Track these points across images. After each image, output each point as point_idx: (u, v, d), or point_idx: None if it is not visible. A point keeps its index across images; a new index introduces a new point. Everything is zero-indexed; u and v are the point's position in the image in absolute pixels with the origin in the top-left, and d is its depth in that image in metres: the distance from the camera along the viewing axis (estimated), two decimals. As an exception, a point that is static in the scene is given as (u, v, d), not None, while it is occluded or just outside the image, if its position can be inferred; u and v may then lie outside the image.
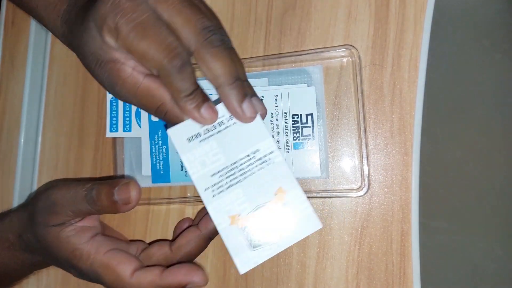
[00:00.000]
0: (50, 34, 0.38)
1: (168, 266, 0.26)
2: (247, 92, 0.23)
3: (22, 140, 0.37)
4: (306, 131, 0.29)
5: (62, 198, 0.27)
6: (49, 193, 0.28)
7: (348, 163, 0.30)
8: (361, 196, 0.29)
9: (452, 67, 0.90)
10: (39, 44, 0.38)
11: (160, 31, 0.21)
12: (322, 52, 0.30)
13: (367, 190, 0.29)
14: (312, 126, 0.29)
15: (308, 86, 0.30)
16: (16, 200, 0.36)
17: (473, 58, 0.89)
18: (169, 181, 0.31)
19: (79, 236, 0.27)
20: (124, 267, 0.26)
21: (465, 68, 0.89)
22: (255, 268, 0.31)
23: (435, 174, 0.88)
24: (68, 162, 0.36)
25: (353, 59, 0.29)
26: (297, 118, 0.29)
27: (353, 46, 0.30)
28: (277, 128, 0.29)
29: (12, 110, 0.37)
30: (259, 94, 0.29)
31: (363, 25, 0.30)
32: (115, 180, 0.26)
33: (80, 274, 0.28)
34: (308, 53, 0.30)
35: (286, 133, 0.29)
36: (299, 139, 0.29)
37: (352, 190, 0.29)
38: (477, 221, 0.86)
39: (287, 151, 0.29)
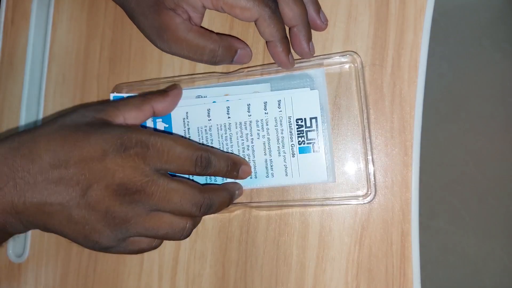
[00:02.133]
0: (49, 33, 0.38)
1: None
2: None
3: (21, 140, 0.36)
4: (311, 135, 0.29)
5: (110, 102, 0.28)
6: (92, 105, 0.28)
7: (353, 167, 0.30)
8: (368, 203, 0.29)
9: (452, 67, 0.90)
10: (38, 43, 0.38)
11: None
12: (325, 58, 0.30)
13: (374, 197, 0.29)
14: (317, 129, 0.29)
15: (311, 89, 0.29)
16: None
17: (473, 58, 0.89)
18: None
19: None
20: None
21: (465, 68, 0.89)
22: (254, 269, 0.31)
23: (435, 174, 0.89)
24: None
25: (356, 65, 0.29)
26: (301, 122, 0.29)
27: (356, 52, 0.30)
28: (282, 133, 0.29)
29: (11, 109, 0.37)
30: (262, 100, 0.29)
31: (363, 25, 0.30)
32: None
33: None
34: (309, 60, 0.30)
35: (291, 137, 0.29)
36: (304, 143, 0.29)
37: (358, 197, 0.29)
38: (477, 221, 0.86)
39: (293, 156, 0.29)
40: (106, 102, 0.28)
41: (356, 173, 0.30)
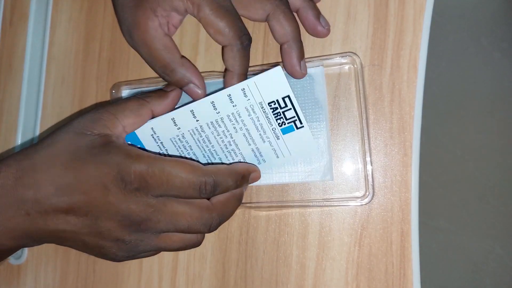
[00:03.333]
0: (48, 34, 0.38)
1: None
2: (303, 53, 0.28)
3: (19, 141, 0.36)
4: (289, 114, 0.27)
5: (111, 106, 0.26)
6: (93, 109, 0.26)
7: (352, 168, 0.30)
8: (366, 204, 0.29)
9: (451, 66, 0.90)
10: (37, 44, 0.37)
11: (236, 16, 0.26)
12: (324, 59, 0.30)
13: (372, 199, 0.29)
14: (293, 107, 0.27)
15: (275, 70, 0.26)
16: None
17: (472, 57, 0.89)
18: None
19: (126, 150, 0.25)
20: None
21: (464, 67, 0.89)
22: (254, 269, 0.31)
23: (434, 174, 0.89)
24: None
25: (355, 66, 0.29)
26: (275, 104, 0.27)
27: (355, 53, 0.29)
28: (258, 120, 0.27)
29: (10, 111, 0.37)
30: (225, 94, 0.27)
31: (362, 25, 0.30)
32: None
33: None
34: (309, 61, 0.30)
35: (270, 122, 0.27)
36: (285, 124, 0.27)
37: (357, 198, 0.29)
38: (477, 220, 0.86)
39: (278, 139, 0.28)
40: (104, 106, 0.26)
41: (354, 173, 0.30)
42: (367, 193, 0.29)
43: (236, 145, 0.28)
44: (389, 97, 0.30)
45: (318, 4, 0.31)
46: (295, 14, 0.29)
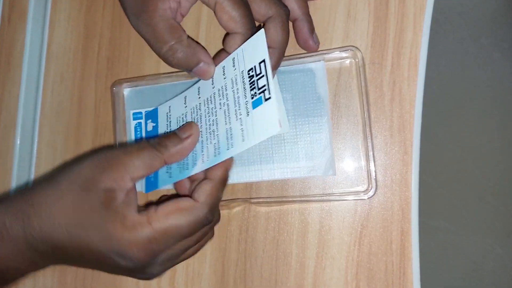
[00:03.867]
0: (47, 32, 0.37)
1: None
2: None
3: (18, 140, 0.36)
4: (261, 82, 0.24)
5: (121, 154, 0.24)
6: (99, 154, 0.24)
7: (354, 163, 0.30)
8: (369, 198, 0.29)
9: (451, 66, 0.90)
10: (36, 42, 0.37)
11: (249, 8, 0.26)
12: (325, 54, 0.30)
13: (375, 192, 0.29)
14: (266, 73, 0.23)
15: (259, 34, 0.25)
16: (13, 200, 0.36)
17: (472, 57, 0.89)
18: (157, 187, 0.29)
19: (128, 207, 0.23)
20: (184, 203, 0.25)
21: (464, 67, 0.89)
22: (254, 268, 0.31)
23: (434, 173, 0.89)
24: (65, 162, 0.36)
25: (357, 60, 0.29)
26: (252, 71, 0.24)
27: (357, 48, 0.29)
28: (237, 93, 0.25)
29: (8, 109, 0.37)
30: (221, 65, 0.26)
31: (362, 24, 0.30)
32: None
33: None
34: (311, 55, 0.30)
35: (245, 94, 0.24)
36: (256, 95, 0.24)
37: (359, 192, 0.29)
38: (476, 220, 0.86)
39: (247, 115, 0.24)
40: (116, 151, 0.24)
41: (357, 168, 0.30)
42: (370, 187, 0.29)
43: (217, 124, 0.26)
44: (390, 96, 0.30)
45: (319, 3, 0.31)
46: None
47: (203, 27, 0.33)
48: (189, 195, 0.25)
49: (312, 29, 0.29)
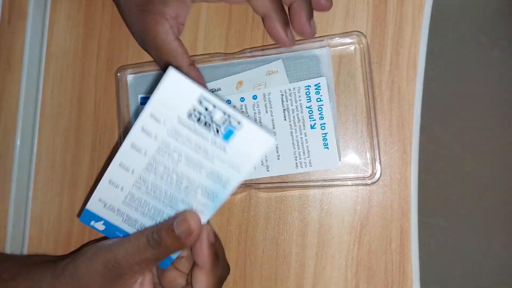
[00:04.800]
0: (46, 33, 0.37)
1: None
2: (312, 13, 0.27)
3: (18, 140, 0.36)
4: (216, 116, 0.21)
5: (123, 258, 0.23)
6: (102, 259, 0.24)
7: (357, 149, 0.30)
8: (374, 183, 0.29)
9: (450, 64, 0.90)
10: (35, 43, 0.37)
11: None
12: (330, 39, 0.29)
13: (379, 177, 0.29)
14: (214, 105, 0.21)
15: (168, 74, 0.21)
16: (12, 201, 0.36)
17: (472, 55, 0.89)
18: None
19: None
20: None
21: (463, 65, 0.89)
22: (253, 267, 0.31)
23: (433, 172, 0.89)
24: (65, 163, 0.36)
25: (361, 46, 0.29)
26: (195, 114, 0.21)
27: (361, 33, 0.29)
28: (190, 142, 0.22)
29: (8, 110, 0.37)
30: (135, 131, 0.22)
31: (361, 23, 0.30)
32: (171, 218, 0.25)
33: None
34: (315, 41, 0.29)
35: (204, 137, 0.22)
36: (220, 130, 0.22)
37: (364, 178, 0.29)
38: (476, 219, 0.86)
39: (225, 151, 0.22)
40: (119, 244, 0.24)
41: (360, 155, 0.29)
42: (374, 171, 0.28)
43: (188, 179, 0.23)
44: (388, 95, 0.30)
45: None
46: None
47: (202, 26, 0.33)
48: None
49: (310, 14, 0.27)
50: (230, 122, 0.21)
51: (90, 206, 0.25)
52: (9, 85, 0.38)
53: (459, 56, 0.90)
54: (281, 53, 0.30)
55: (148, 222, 0.25)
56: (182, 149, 0.22)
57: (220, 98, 0.28)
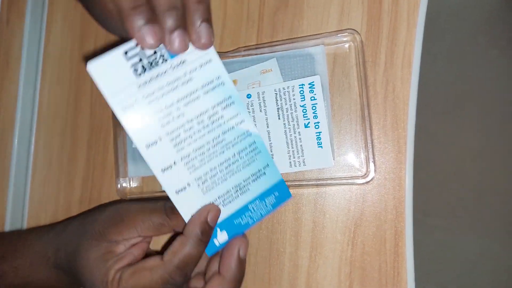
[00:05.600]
0: (44, 33, 0.38)
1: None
2: (181, 23, 0.21)
3: (16, 139, 0.37)
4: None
5: (134, 210, 0.25)
6: (118, 206, 0.26)
7: (351, 149, 0.29)
8: (368, 182, 0.28)
9: (447, 64, 0.89)
10: (33, 43, 0.38)
11: None
12: (324, 38, 0.29)
13: (374, 177, 0.28)
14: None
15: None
16: (10, 199, 0.36)
17: (469, 55, 0.88)
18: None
19: (117, 262, 0.25)
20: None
21: (461, 65, 0.89)
22: (247, 267, 0.31)
23: (431, 172, 0.88)
24: (61, 162, 0.36)
25: (355, 44, 0.29)
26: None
27: (355, 30, 0.29)
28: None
29: (6, 109, 0.37)
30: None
31: (355, 22, 0.30)
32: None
33: None
34: (310, 39, 0.29)
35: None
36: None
37: (358, 177, 0.29)
38: (473, 218, 0.85)
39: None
40: (129, 208, 0.26)
41: (354, 154, 0.29)
42: (368, 170, 0.28)
43: (199, 110, 0.23)
44: (383, 94, 0.29)
45: (312, 3, 0.31)
46: None
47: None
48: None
49: (174, 26, 0.20)
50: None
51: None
52: (7, 84, 0.38)
53: (456, 56, 0.90)
54: (275, 51, 0.30)
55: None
56: (169, 100, 0.22)
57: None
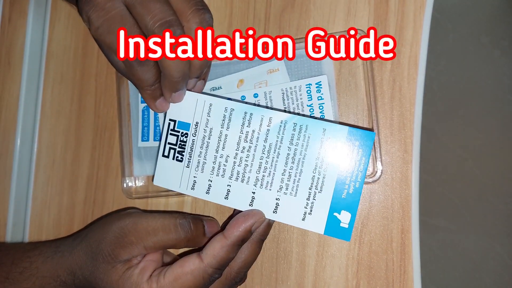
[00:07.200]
0: (47, 31, 0.37)
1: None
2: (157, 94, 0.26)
3: (19, 139, 0.36)
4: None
5: (142, 230, 0.25)
6: (123, 223, 0.25)
7: None
8: (375, 182, 0.29)
9: (451, 65, 0.90)
10: (36, 41, 0.37)
11: (125, 26, 0.23)
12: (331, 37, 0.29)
13: (380, 176, 0.28)
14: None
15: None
16: (13, 199, 0.36)
17: (472, 55, 0.89)
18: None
19: (142, 274, 0.25)
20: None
21: (464, 65, 0.89)
22: (254, 266, 0.31)
23: (434, 172, 0.89)
24: (65, 162, 0.36)
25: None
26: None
27: (361, 30, 0.29)
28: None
29: (9, 108, 0.37)
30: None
31: (362, 21, 0.30)
32: (197, 215, 0.27)
33: None
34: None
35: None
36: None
37: (366, 176, 0.29)
38: (477, 219, 0.86)
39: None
40: (135, 224, 0.25)
41: None
42: (376, 170, 0.28)
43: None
44: (389, 94, 0.29)
45: (318, 3, 0.31)
46: None
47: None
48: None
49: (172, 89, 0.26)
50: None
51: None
52: (10, 84, 0.38)
53: (460, 56, 0.90)
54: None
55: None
56: (210, 157, 0.26)
57: (222, 97, 0.29)
